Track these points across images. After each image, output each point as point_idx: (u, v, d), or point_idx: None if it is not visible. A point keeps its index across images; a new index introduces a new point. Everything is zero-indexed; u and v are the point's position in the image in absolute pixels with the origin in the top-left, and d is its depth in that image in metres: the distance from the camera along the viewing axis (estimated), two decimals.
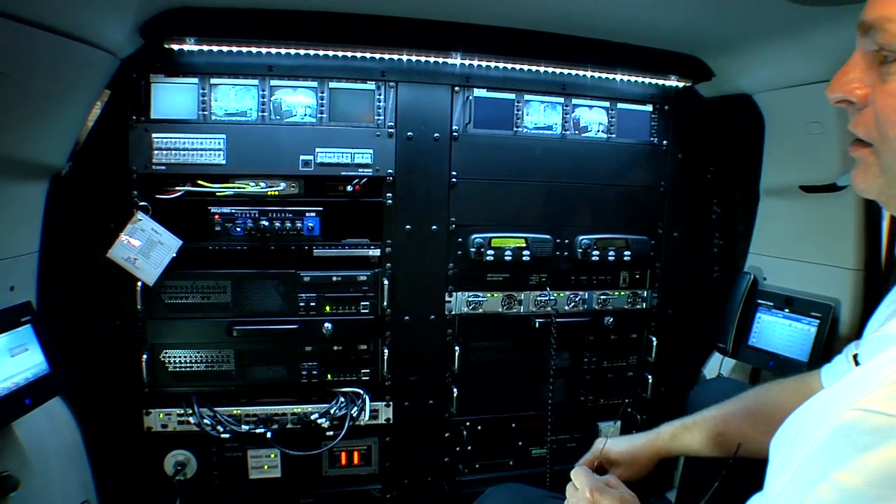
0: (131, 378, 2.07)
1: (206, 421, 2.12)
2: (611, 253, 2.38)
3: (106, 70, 1.80)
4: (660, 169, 2.45)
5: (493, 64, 2.14)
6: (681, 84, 2.31)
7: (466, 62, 2.10)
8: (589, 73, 2.21)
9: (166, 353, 2.12)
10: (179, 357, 2.13)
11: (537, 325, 2.34)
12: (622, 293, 2.48)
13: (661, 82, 2.31)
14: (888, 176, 0.84)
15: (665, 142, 2.46)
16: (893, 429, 0.63)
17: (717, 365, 2.49)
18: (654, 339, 2.52)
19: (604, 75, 2.23)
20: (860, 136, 0.87)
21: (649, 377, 2.55)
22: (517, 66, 2.17)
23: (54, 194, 1.86)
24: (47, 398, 1.70)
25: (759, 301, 2.30)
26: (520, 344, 2.41)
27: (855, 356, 0.98)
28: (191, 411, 2.12)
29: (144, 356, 2.08)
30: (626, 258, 2.40)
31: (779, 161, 2.28)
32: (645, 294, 2.52)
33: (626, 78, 2.26)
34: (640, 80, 2.28)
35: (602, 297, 2.45)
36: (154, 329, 2.09)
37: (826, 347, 2.07)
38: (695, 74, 2.21)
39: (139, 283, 2.02)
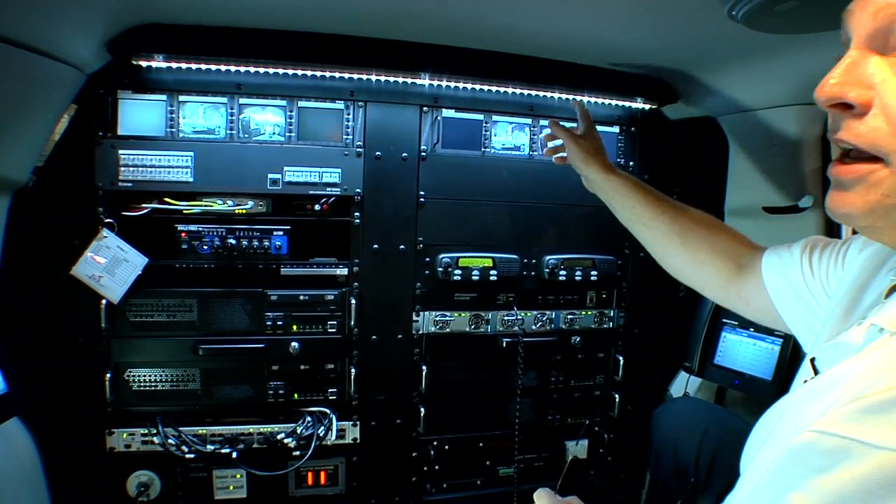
0: (94, 397, 2.03)
1: (170, 441, 2.09)
2: (578, 273, 2.38)
3: (72, 85, 1.78)
4: None
5: (461, 85, 2.13)
6: (647, 106, 2.31)
7: (435, 83, 2.09)
8: (556, 95, 2.21)
9: (131, 371, 2.09)
10: (144, 376, 2.10)
11: (504, 344, 2.33)
12: (589, 313, 2.48)
13: (627, 104, 2.31)
14: None
15: (632, 163, 2.46)
16: (848, 451, 0.63)
17: (684, 384, 2.49)
18: (621, 358, 2.52)
19: (571, 97, 2.21)
20: (863, 148, 0.72)
21: (616, 396, 2.54)
22: (485, 87, 2.16)
23: (17, 209, 1.82)
24: (4, 419, 1.65)
25: (724, 320, 2.31)
26: (487, 363, 2.40)
27: (812, 360, 0.98)
28: (155, 431, 2.09)
29: (108, 375, 2.04)
30: (592, 278, 2.40)
31: (743, 182, 2.30)
32: (612, 313, 2.52)
33: (593, 100, 2.25)
34: (607, 101, 2.28)
35: (569, 316, 2.44)
36: (118, 347, 2.06)
37: (789, 366, 2.10)
38: (661, 97, 2.21)
39: (104, 301, 1.99)
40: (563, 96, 2.22)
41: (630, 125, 2.45)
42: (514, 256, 2.32)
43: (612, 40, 1.82)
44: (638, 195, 1.58)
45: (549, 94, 2.21)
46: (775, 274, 1.25)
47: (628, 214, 1.61)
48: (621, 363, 2.52)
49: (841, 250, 1.15)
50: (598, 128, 2.23)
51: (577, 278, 2.38)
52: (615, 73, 2.13)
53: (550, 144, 1.90)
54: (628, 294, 2.52)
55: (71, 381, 2.04)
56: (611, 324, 2.51)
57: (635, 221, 1.59)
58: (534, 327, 2.40)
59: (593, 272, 2.39)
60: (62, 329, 2.01)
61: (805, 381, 0.92)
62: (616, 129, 2.44)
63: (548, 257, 2.37)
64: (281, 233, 2.13)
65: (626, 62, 2.05)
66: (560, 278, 2.36)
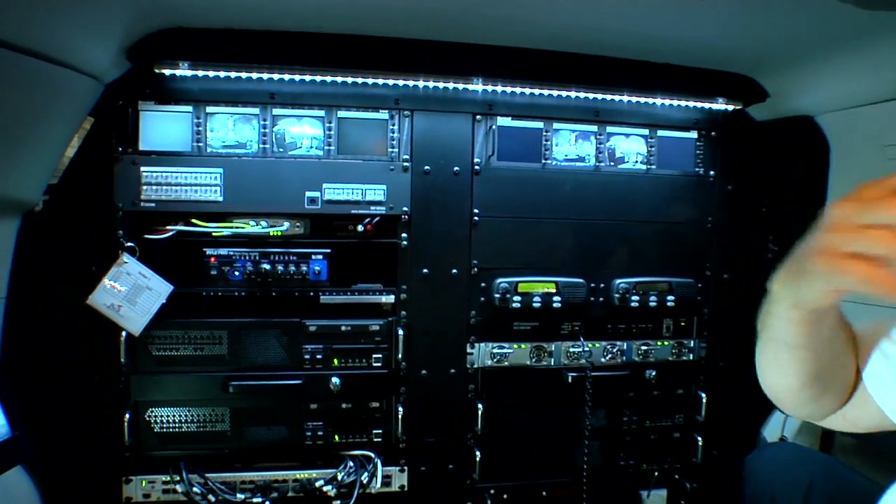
0: (111, 440, 1.95)
1: (195, 489, 1.97)
2: (652, 298, 2.24)
3: (88, 96, 1.72)
4: (707, 203, 2.30)
5: (518, 90, 2.06)
6: (730, 107, 2.18)
7: (489, 88, 2.03)
8: (625, 98, 2.12)
9: (152, 411, 2.00)
10: (167, 416, 2.01)
11: (570, 379, 2.20)
12: (665, 343, 2.32)
13: (707, 106, 2.19)
14: None
15: (712, 172, 2.31)
16: None
17: (780, 426, 2.29)
18: (703, 395, 2.34)
19: (642, 100, 2.13)
20: None
21: (699, 439, 2.36)
22: (545, 92, 2.07)
23: (27, 232, 1.77)
24: (4, 468, 1.53)
25: None
26: (551, 401, 2.26)
27: None
28: (178, 478, 1.98)
29: (127, 415, 1.95)
30: (669, 304, 2.25)
31: (847, 190, 2.03)
32: (691, 344, 2.34)
33: (667, 102, 2.16)
34: (683, 103, 2.17)
35: (643, 347, 2.29)
36: (139, 384, 1.97)
37: None
38: (746, 96, 2.10)
39: (123, 333, 1.90)
40: (634, 99, 2.14)
41: (710, 129, 2.30)
42: (580, 280, 2.20)
43: (691, 33, 1.72)
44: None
45: (616, 97, 2.12)
46: (887, 384, 1.05)
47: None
48: (704, 401, 2.33)
49: None
50: (673, 133, 2.22)
51: (652, 304, 2.24)
52: (692, 71, 2.05)
53: None
54: (710, 322, 2.35)
55: (85, 423, 1.96)
56: (691, 356, 2.35)
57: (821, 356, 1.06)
58: (603, 360, 2.26)
59: (670, 297, 2.25)
60: (76, 365, 1.94)
61: None
62: (694, 135, 2.30)
63: (618, 281, 2.23)
64: (320, 256, 2.05)
65: (707, 57, 1.94)
66: (632, 304, 2.22)
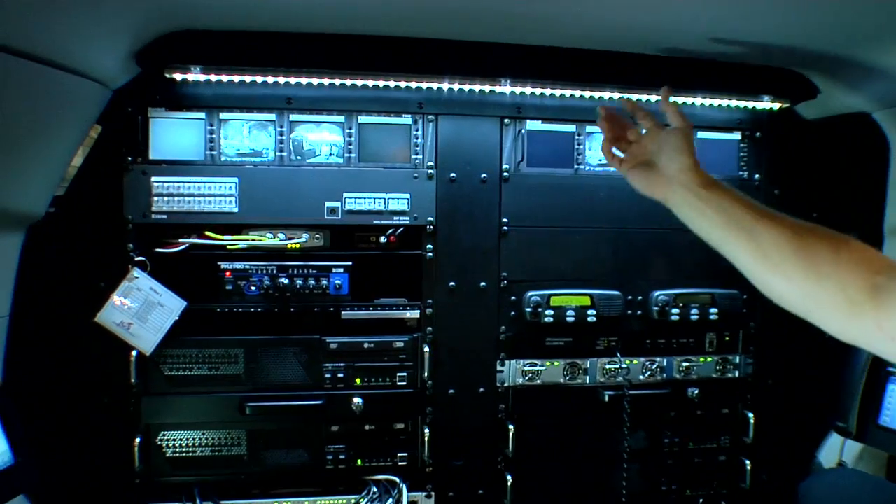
0: (120, 466, 1.90)
1: None
2: (693, 311, 2.16)
3: (95, 103, 1.69)
4: None
5: (548, 91, 2.01)
6: (776, 105, 2.11)
7: (517, 90, 1.98)
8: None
9: (164, 435, 1.96)
10: (180, 440, 1.97)
11: (607, 398, 2.15)
12: (709, 359, 2.24)
13: (751, 104, 2.12)
14: None
15: (757, 176, 2.24)
16: None
17: (837, 450, 2.19)
18: (750, 415, 2.25)
19: (681, 99, 2.06)
20: None
21: (747, 463, 2.27)
22: (577, 93, 2.02)
23: (32, 246, 1.74)
24: (6, 498, 1.51)
25: (890, 369, 1.99)
26: (586, 421, 2.21)
27: None
28: None
29: (137, 439, 1.90)
30: (712, 317, 2.18)
31: None
32: (737, 360, 2.26)
33: (707, 102, 2.10)
34: (724, 103, 2.11)
35: (684, 363, 2.21)
36: (150, 406, 1.93)
37: None
38: (794, 93, 2.02)
39: (134, 353, 1.86)
40: (671, 99, 1.98)
41: (755, 129, 2.23)
42: (616, 293, 2.14)
43: (733, 26, 1.62)
44: (738, 200, 1.24)
45: (653, 98, 2.02)
46: None
47: (724, 220, 1.24)
48: (751, 421, 2.24)
49: None
50: (715, 135, 2.21)
51: (693, 317, 2.17)
52: (735, 67, 1.96)
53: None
54: (757, 336, 2.27)
55: (92, 448, 1.91)
56: (736, 372, 2.27)
57: (733, 227, 1.22)
58: (641, 377, 2.20)
59: (713, 310, 2.18)
60: (84, 387, 1.90)
61: None
62: (737, 136, 2.23)
63: (657, 293, 2.17)
64: (341, 270, 2.02)
65: (750, 52, 1.84)
66: (672, 318, 2.16)
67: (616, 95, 2.01)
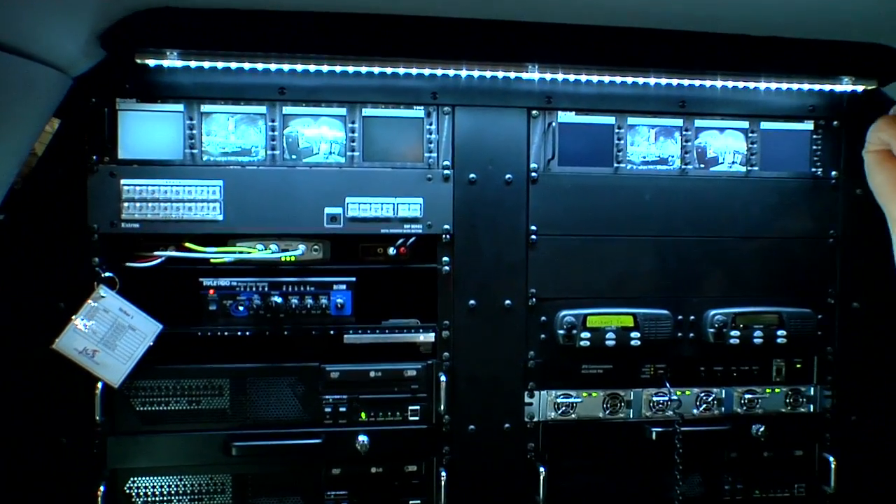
0: None
1: None
2: (757, 333, 2.02)
3: (52, 92, 1.59)
4: (827, 212, 2.11)
5: (583, 77, 1.90)
6: (859, 87, 1.95)
7: (546, 76, 1.88)
8: (719, 83, 1.93)
9: (134, 481, 1.85)
10: (153, 487, 1.86)
11: (654, 435, 2.01)
12: (777, 390, 2.10)
13: (827, 88, 1.97)
14: None
15: (834, 172, 2.10)
16: None
17: None
18: (830, 457, 2.08)
19: (741, 84, 1.93)
20: None
21: None
22: (616, 79, 1.92)
23: None
24: None
25: None
26: (630, 462, 2.09)
27: None
28: None
29: (101, 488, 1.78)
30: (779, 340, 2.03)
31: None
32: (811, 391, 2.11)
33: (773, 86, 1.95)
34: (794, 86, 1.97)
35: (747, 395, 2.07)
36: (118, 448, 1.82)
37: None
38: (882, 71, 1.86)
39: (100, 385, 1.76)
40: (730, 84, 1.93)
41: (831, 118, 2.09)
42: (664, 312, 2.02)
43: None
44: None
45: (707, 83, 1.93)
46: None
47: None
48: (832, 465, 2.07)
49: None
50: (782, 125, 2.09)
51: (757, 341, 2.03)
52: (807, 44, 1.81)
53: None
54: (836, 363, 2.12)
55: (48, 497, 1.81)
56: (811, 406, 2.12)
57: None
58: (695, 411, 2.07)
59: (780, 332, 2.03)
60: (39, 424, 1.80)
61: None
62: (809, 126, 2.08)
63: (712, 312, 2.04)
64: (343, 286, 1.93)
65: (826, 25, 1.71)
66: (731, 341, 2.03)
67: (664, 81, 1.90)
